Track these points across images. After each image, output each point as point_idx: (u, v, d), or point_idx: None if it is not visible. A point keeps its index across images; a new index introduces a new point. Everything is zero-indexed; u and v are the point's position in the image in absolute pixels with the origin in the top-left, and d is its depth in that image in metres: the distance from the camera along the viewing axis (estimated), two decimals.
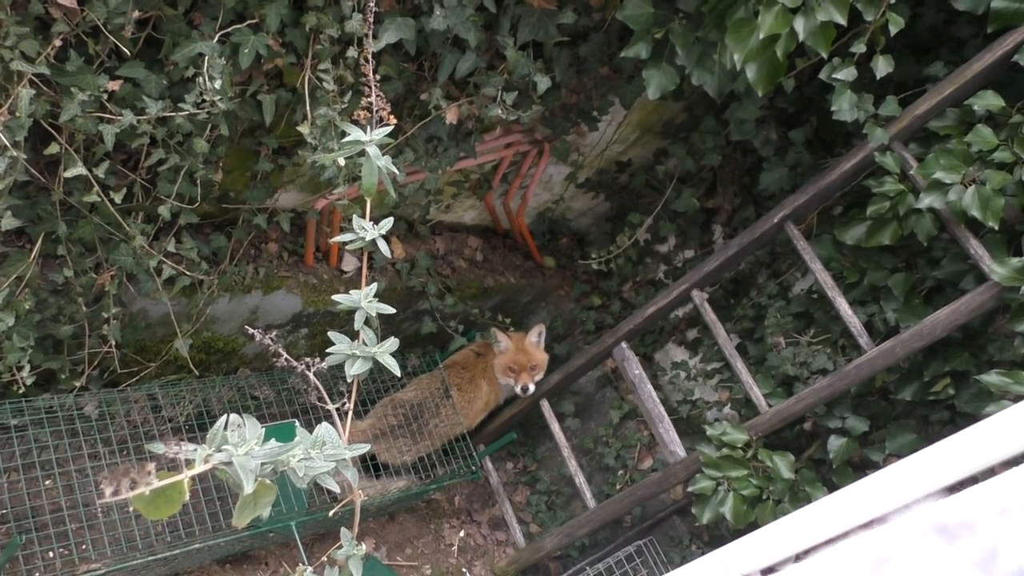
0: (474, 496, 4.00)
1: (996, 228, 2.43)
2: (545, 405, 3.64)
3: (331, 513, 1.60)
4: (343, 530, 1.53)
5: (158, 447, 0.81)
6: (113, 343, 2.70)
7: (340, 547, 1.54)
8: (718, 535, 3.51)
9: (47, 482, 2.69)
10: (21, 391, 2.48)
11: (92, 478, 2.71)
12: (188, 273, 2.72)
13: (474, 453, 3.64)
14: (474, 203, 3.89)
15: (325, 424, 1.24)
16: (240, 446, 0.85)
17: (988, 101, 2.49)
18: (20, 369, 2.44)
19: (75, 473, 2.68)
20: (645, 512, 3.73)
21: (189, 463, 0.82)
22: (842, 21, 2.25)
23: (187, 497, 0.79)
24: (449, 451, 3.61)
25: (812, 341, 3.15)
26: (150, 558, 2.57)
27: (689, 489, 2.86)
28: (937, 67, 2.72)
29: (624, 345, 3.38)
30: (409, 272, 3.61)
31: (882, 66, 2.49)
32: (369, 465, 3.48)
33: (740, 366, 3.01)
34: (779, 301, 3.38)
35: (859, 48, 2.46)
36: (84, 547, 2.66)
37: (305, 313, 3.35)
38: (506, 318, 3.87)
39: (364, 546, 1.56)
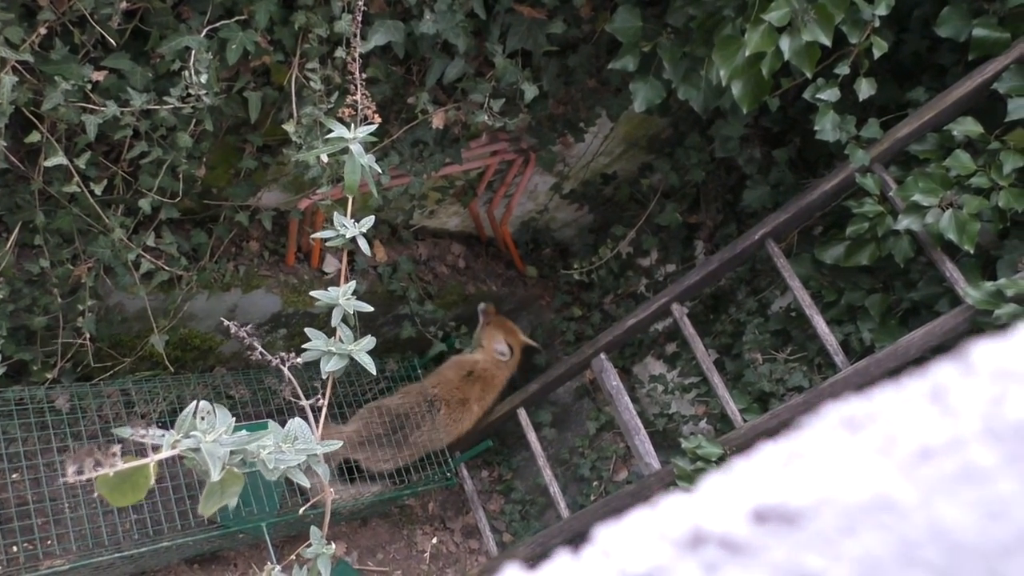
0: (448, 503, 3.98)
1: (972, 252, 2.46)
2: (522, 414, 3.64)
3: (301, 511, 1.58)
4: (313, 528, 1.52)
5: (125, 431, 0.80)
6: (87, 336, 2.67)
7: (309, 545, 1.53)
8: None
9: (14, 475, 2.64)
10: None
11: (60, 472, 2.67)
12: (167, 268, 2.70)
13: (449, 460, 3.62)
14: (458, 210, 3.89)
15: (297, 419, 1.23)
16: (209, 433, 0.84)
17: (967, 127, 2.53)
18: None
19: (43, 467, 2.64)
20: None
21: (156, 448, 0.82)
22: (827, 42, 2.28)
23: (152, 482, 0.78)
24: (425, 457, 3.60)
25: (789, 358, 3.17)
26: (116, 555, 2.53)
27: None
28: (919, 92, 2.76)
29: (603, 357, 3.39)
30: (391, 276, 3.60)
31: (865, 88, 2.53)
32: (343, 468, 3.45)
33: (717, 381, 3.02)
34: (758, 318, 3.40)
35: (843, 70, 2.50)
36: (49, 542, 2.62)
37: (284, 313, 3.33)
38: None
39: (334, 545, 1.55)
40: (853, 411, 0.32)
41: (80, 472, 0.70)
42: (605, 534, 0.32)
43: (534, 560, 3.59)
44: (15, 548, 2.57)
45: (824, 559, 0.27)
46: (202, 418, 0.86)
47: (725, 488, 0.31)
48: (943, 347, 2.70)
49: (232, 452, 0.89)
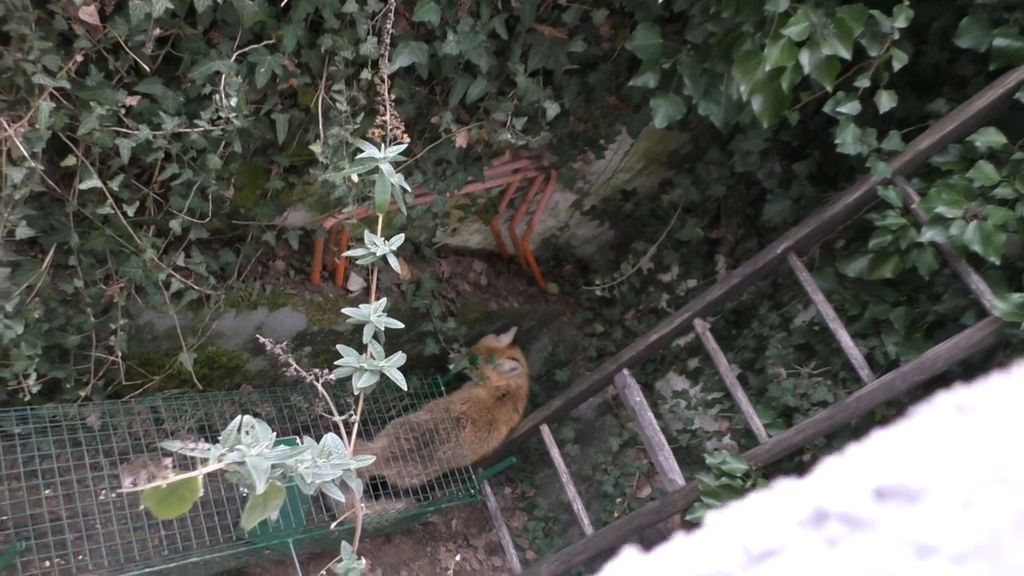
0: (471, 520, 3.98)
1: (997, 263, 2.45)
2: (545, 430, 3.64)
3: (332, 526, 1.60)
4: (344, 544, 1.54)
5: (174, 444, 0.83)
6: (119, 354, 2.72)
7: (340, 560, 1.55)
8: None
9: (47, 491, 2.69)
10: (26, 399, 2.50)
11: (92, 488, 2.71)
12: (196, 287, 2.75)
13: (473, 476, 3.63)
14: (480, 227, 3.92)
15: (331, 435, 1.25)
16: (253, 447, 0.87)
17: (990, 138, 2.52)
18: (27, 377, 2.46)
19: (75, 483, 2.69)
20: (643, 541, 3.71)
21: (204, 462, 0.84)
22: (847, 56, 2.29)
23: (200, 494, 0.81)
24: (448, 474, 3.61)
25: (813, 373, 3.16)
26: (146, 570, 2.57)
27: (687, 518, 2.85)
28: (940, 103, 2.76)
29: (625, 372, 3.39)
30: (414, 293, 3.63)
31: (886, 101, 2.54)
32: (368, 485, 3.47)
33: (741, 396, 3.02)
34: (780, 332, 3.39)
35: (863, 83, 2.51)
36: (81, 557, 2.66)
37: (309, 331, 3.37)
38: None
39: (364, 561, 1.57)
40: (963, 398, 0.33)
41: (135, 483, 0.72)
42: (720, 516, 0.34)
43: None
44: (48, 563, 2.61)
45: (943, 532, 0.29)
46: (247, 432, 0.89)
47: (844, 469, 0.33)
48: (969, 360, 2.69)
49: (273, 465, 0.92)
